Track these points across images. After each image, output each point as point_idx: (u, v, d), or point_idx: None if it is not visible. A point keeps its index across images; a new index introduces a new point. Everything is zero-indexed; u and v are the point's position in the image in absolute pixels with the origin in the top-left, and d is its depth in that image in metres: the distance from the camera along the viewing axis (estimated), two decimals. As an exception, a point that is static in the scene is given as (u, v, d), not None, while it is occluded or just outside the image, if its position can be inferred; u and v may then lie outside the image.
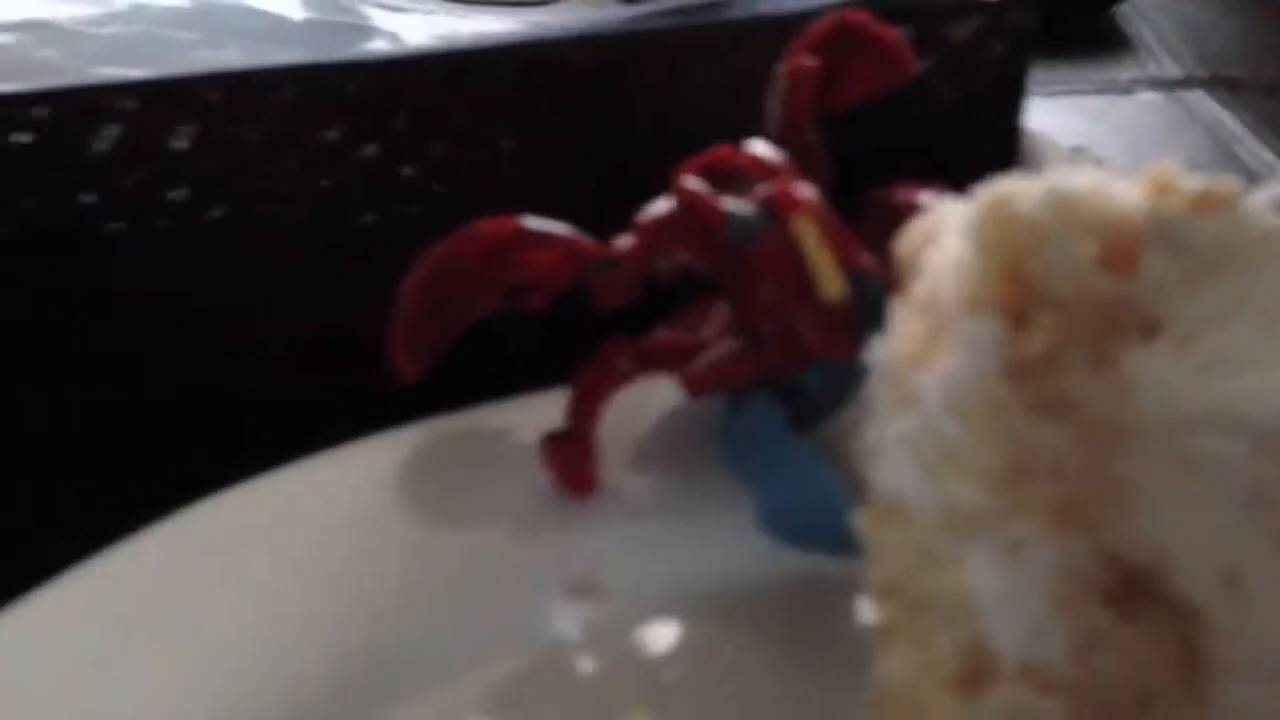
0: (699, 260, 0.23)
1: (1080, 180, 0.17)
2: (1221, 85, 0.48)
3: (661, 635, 0.23)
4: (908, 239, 0.20)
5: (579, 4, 0.34)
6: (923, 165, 0.26)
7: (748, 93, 0.27)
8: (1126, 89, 0.48)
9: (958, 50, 0.33)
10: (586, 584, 0.23)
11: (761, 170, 0.23)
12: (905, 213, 0.21)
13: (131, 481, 0.26)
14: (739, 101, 0.27)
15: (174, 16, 0.39)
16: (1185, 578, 0.16)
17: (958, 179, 0.20)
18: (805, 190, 0.22)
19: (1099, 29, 0.53)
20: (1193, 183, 0.17)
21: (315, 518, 0.24)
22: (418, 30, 0.38)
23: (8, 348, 0.29)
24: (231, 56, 0.32)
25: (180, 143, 0.28)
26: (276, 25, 0.40)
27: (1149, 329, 0.16)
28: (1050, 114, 0.44)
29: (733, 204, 0.23)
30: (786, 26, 0.28)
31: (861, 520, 0.19)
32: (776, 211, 0.22)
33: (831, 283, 0.21)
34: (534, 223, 0.24)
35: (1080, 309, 0.17)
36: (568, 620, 0.23)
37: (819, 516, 0.22)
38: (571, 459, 0.24)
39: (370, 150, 0.29)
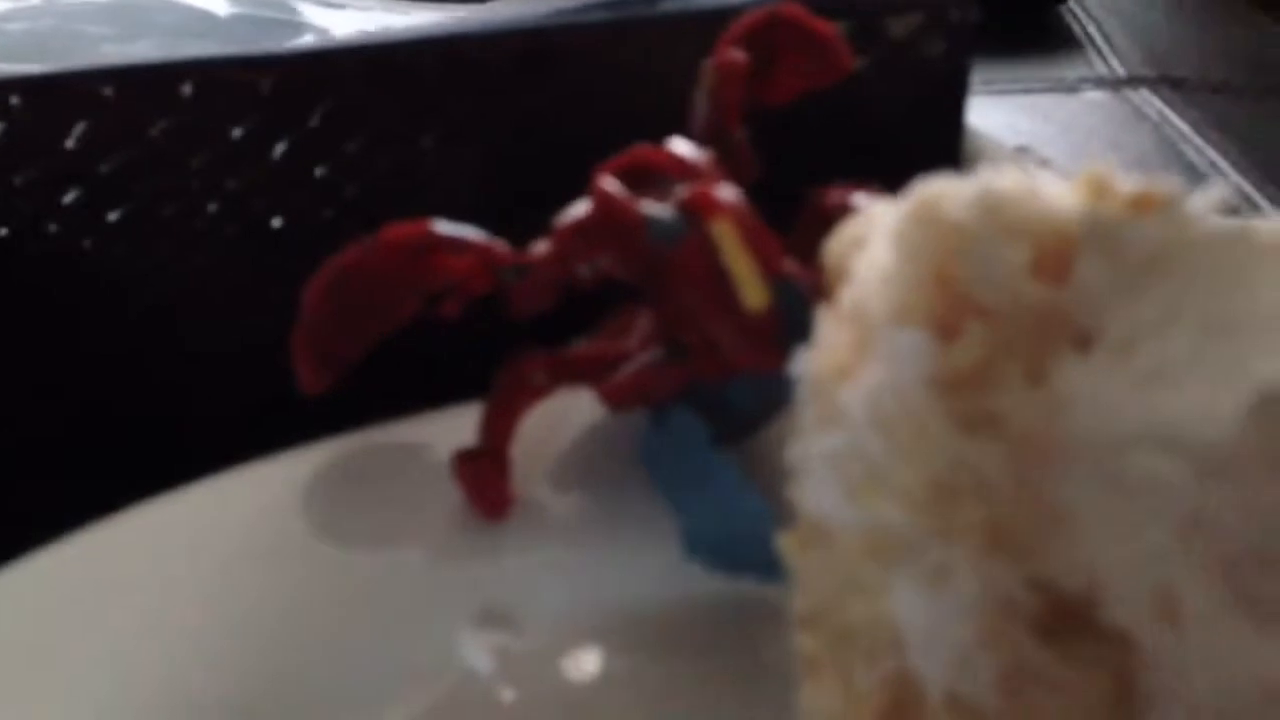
0: (619, 266, 0.22)
1: (1012, 181, 0.16)
2: (1168, 84, 0.47)
3: (581, 665, 0.22)
4: (836, 243, 0.19)
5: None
6: (862, 166, 0.25)
7: (681, 89, 0.26)
8: (1073, 88, 0.48)
9: (897, 47, 0.32)
10: (501, 610, 0.22)
11: (682, 170, 0.22)
12: (839, 215, 0.19)
13: (13, 500, 0.25)
14: (671, 98, 0.26)
15: (88, 11, 0.37)
16: (1119, 606, 0.15)
17: (898, 180, 0.19)
18: (726, 192, 0.21)
19: (1046, 27, 0.53)
20: (1131, 183, 0.16)
21: (213, 541, 0.23)
22: (350, 26, 0.36)
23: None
24: (143, 51, 0.31)
25: (72, 142, 0.26)
26: (199, 20, 0.38)
27: (1083, 339, 0.15)
28: (996, 112, 0.44)
29: (652, 207, 0.21)
30: (720, 20, 0.27)
31: (784, 544, 0.18)
32: (695, 214, 0.20)
33: (752, 290, 0.20)
34: (445, 227, 0.23)
35: (1012, 318, 0.16)
36: (481, 649, 0.22)
37: (745, 539, 0.20)
38: (485, 477, 0.23)
39: (280, 149, 0.28)
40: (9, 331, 0.27)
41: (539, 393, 0.23)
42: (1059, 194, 0.16)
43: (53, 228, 0.27)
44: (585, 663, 0.22)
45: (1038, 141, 0.43)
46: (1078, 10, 0.54)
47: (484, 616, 0.22)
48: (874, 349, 0.17)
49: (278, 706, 0.21)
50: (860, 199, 0.23)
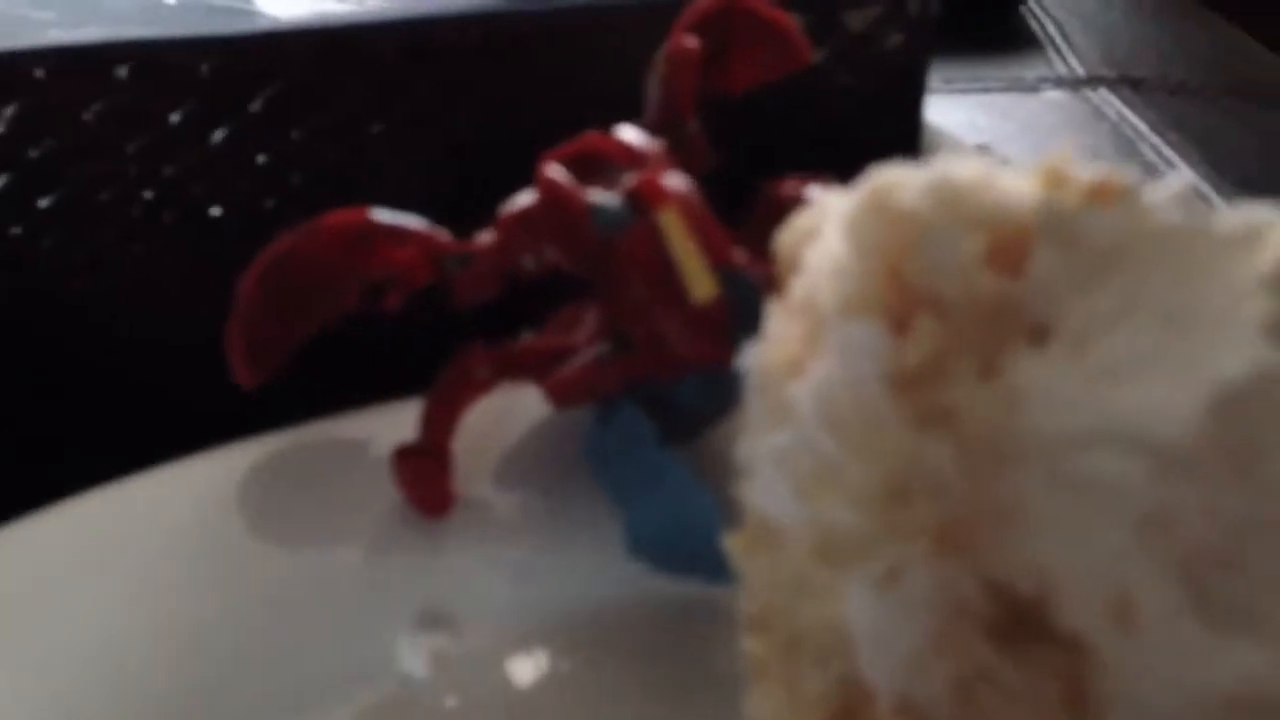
0: (564, 256, 0.21)
1: (967, 170, 0.16)
2: (1127, 84, 0.47)
3: (524, 668, 0.21)
4: (788, 234, 0.18)
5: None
6: (820, 158, 0.25)
7: (639, 77, 0.25)
8: (1033, 87, 0.47)
9: (855, 39, 0.32)
10: (442, 610, 0.21)
11: (631, 159, 0.21)
12: (793, 207, 0.19)
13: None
14: (629, 86, 0.25)
15: (33, -5, 0.36)
16: (1072, 608, 0.14)
17: (855, 173, 0.18)
18: (674, 181, 0.20)
19: (1007, 27, 0.52)
20: (1088, 173, 0.15)
21: (145, 537, 0.22)
22: (305, 14, 0.35)
23: None
24: (91, 37, 0.29)
25: (1, 125, 0.25)
26: (148, 7, 0.37)
27: (1039, 333, 0.15)
28: (956, 110, 0.44)
29: (599, 195, 0.21)
30: (680, 8, 0.26)
31: (731, 545, 0.17)
32: (642, 203, 0.20)
33: (699, 282, 0.19)
34: (384, 215, 0.22)
35: (966, 311, 0.15)
36: (421, 651, 0.21)
37: (693, 539, 0.20)
38: (426, 474, 0.22)
39: (220, 134, 0.27)
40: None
41: (482, 387, 0.22)
42: (1015, 184, 0.16)
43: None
44: (527, 665, 0.21)
45: (997, 140, 0.42)
46: (1038, 10, 0.53)
47: (424, 617, 0.21)
48: (824, 342, 0.16)
49: (208, 712, 0.20)
50: (814, 190, 0.23)
